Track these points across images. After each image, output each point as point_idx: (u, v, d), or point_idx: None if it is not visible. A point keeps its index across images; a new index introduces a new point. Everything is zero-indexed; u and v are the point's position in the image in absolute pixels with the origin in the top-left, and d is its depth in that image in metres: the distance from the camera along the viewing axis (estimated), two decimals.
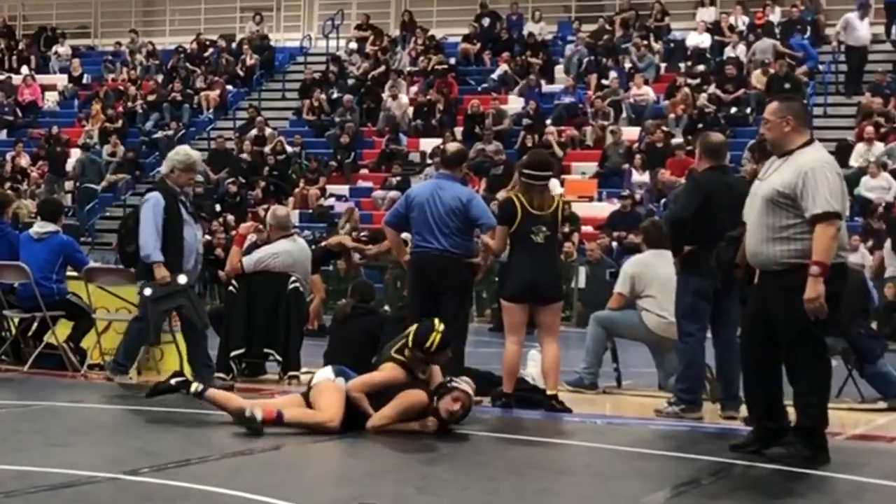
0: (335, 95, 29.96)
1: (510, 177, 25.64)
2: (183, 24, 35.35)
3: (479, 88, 29.33)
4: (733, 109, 26.09)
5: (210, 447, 7.61)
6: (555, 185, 17.43)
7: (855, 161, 23.21)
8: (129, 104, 31.17)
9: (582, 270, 21.39)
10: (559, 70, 29.42)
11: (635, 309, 10.99)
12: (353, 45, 32.04)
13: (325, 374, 8.48)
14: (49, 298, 11.63)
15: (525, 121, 27.11)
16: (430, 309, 9.55)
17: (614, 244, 22.83)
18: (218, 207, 26.53)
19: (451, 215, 9.80)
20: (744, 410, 8.53)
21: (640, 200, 24.09)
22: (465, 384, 8.42)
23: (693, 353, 9.47)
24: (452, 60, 30.49)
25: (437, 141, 25.94)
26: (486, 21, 31.24)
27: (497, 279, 18.32)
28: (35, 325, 11.94)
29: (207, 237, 18.13)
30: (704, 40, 28.47)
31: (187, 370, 10.23)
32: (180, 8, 35.80)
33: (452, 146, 11.05)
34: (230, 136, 29.30)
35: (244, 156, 28.21)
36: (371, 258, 20.81)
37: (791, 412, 7.71)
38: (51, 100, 33.03)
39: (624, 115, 27.07)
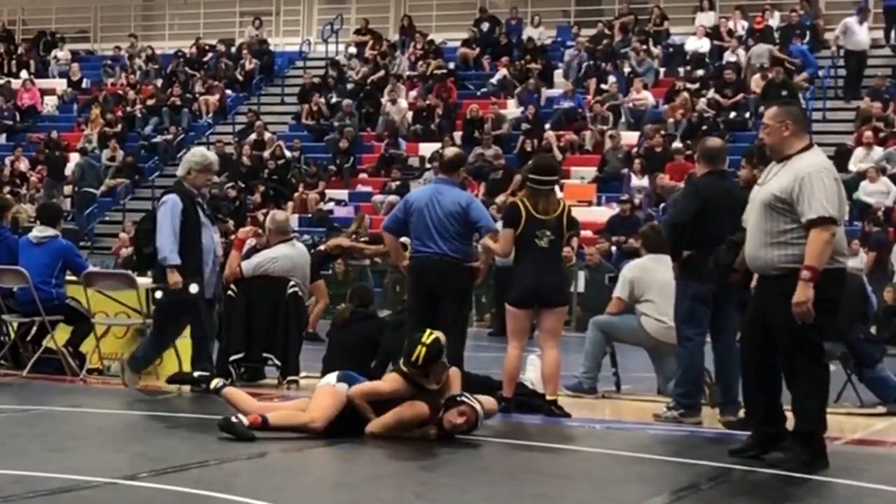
0: (334, 100, 29.92)
1: (509, 181, 25.63)
2: (182, 28, 35.31)
3: (479, 93, 29.30)
4: (732, 114, 26.04)
5: (209, 452, 7.59)
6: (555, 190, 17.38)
7: (854, 165, 23.17)
8: (129, 109, 31.13)
9: (581, 275, 21.34)
10: (558, 75, 29.38)
11: (634, 313, 10.98)
12: (353, 50, 32.02)
13: (328, 379, 8.50)
14: (48, 303, 11.63)
15: (524, 125, 27.10)
16: (430, 313, 9.55)
17: (613, 249, 22.78)
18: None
19: (450, 219, 9.78)
20: (741, 414, 8.54)
21: (639, 205, 24.05)
22: (475, 401, 8.30)
23: (692, 358, 9.45)
24: (451, 65, 30.43)
25: (437, 145, 25.92)
26: (485, 25, 31.19)
27: (492, 283, 18.44)
28: (34, 329, 11.94)
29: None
30: (703, 45, 28.43)
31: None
32: (179, 12, 35.75)
33: (450, 151, 11.06)
34: (229, 141, 29.25)
35: (243, 160, 28.20)
36: (369, 256, 20.84)
37: (790, 417, 7.71)
38: (50, 104, 32.97)
39: (623, 119, 27.03)
